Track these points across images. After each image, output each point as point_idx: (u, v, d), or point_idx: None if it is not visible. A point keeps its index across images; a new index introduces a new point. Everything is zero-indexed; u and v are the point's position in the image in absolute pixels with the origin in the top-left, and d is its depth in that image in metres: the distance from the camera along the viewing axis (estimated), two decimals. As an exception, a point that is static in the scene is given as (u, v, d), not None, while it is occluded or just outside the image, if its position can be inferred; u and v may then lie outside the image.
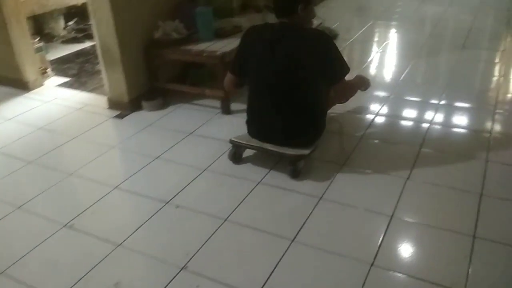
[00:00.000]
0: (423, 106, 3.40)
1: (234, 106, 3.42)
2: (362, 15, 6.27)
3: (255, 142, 2.62)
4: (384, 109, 3.36)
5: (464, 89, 3.67)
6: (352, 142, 2.90)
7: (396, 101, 3.51)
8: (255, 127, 2.65)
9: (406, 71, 4.09)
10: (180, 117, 3.40)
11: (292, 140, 2.54)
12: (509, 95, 3.58)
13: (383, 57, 4.57)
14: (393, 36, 5.36)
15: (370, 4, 6.83)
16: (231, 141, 2.69)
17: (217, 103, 3.42)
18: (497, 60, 4.33)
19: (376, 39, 5.24)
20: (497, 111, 3.25)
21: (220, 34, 3.51)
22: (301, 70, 2.39)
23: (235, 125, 3.11)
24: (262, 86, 2.53)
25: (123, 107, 3.49)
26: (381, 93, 3.62)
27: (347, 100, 2.93)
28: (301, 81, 2.43)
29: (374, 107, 3.41)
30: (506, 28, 5.33)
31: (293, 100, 2.47)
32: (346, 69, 2.47)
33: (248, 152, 2.76)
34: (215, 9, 3.66)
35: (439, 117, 3.20)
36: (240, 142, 2.66)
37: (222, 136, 3.02)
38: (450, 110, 3.32)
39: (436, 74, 4.13)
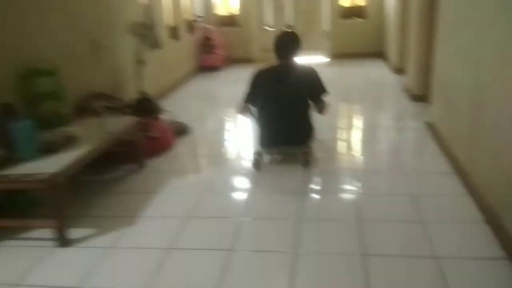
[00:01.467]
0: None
1: (74, 233, 2.75)
2: (214, 105, 6.16)
3: (277, 148, 3.78)
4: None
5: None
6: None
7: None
8: (272, 137, 3.70)
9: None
10: None
11: (300, 141, 3.68)
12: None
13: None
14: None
15: (220, 93, 6.83)
16: (257, 152, 3.73)
17: (49, 233, 2.71)
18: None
19: (230, 126, 5.09)
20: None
21: (48, 150, 2.87)
22: (301, 93, 3.62)
23: (82, 262, 2.46)
24: (277, 108, 3.62)
25: None
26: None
27: (323, 113, 3.76)
28: (301, 100, 3.64)
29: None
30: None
31: (297, 115, 3.66)
32: (325, 90, 3.69)
33: None
34: (40, 119, 3.05)
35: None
36: (266, 151, 3.76)
37: (67, 282, 2.33)
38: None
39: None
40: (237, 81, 7.41)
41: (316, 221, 2.81)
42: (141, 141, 3.91)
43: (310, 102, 3.67)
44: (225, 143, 4.51)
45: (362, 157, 3.88)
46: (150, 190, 3.46)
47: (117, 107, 4.45)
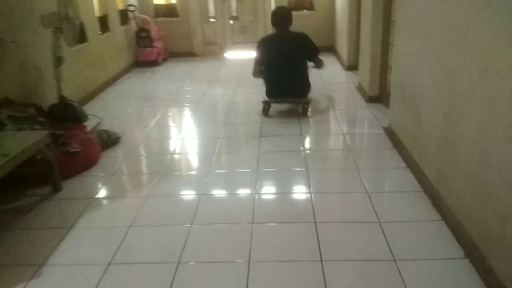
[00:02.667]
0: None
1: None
2: (151, 105, 5.46)
3: (280, 98, 4.73)
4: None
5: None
6: None
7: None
8: (275, 90, 4.64)
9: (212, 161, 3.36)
10: None
11: (300, 93, 4.67)
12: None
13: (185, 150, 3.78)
14: (190, 127, 4.66)
15: (158, 91, 6.12)
16: (265, 101, 4.68)
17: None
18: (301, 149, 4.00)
19: (171, 134, 4.44)
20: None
21: None
22: (297, 54, 4.59)
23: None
24: (279, 66, 4.56)
25: None
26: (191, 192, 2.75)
27: (321, 67, 4.91)
28: (297, 59, 4.59)
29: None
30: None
31: (295, 70, 4.58)
32: (318, 50, 4.78)
33: None
34: None
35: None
36: (272, 100, 4.69)
37: None
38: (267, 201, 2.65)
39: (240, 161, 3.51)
40: (177, 77, 6.76)
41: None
42: (55, 159, 3.20)
43: (306, 61, 4.69)
44: (164, 155, 3.87)
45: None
46: (63, 224, 2.80)
47: (27, 116, 3.69)
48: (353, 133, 4.15)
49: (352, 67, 6.29)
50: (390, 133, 3.86)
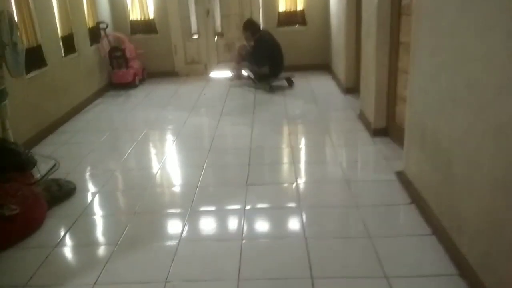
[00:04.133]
0: None
1: None
2: (120, 140, 4.70)
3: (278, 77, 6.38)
4: None
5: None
6: None
7: None
8: (274, 71, 6.32)
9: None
10: None
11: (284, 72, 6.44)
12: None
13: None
14: (164, 173, 3.90)
15: (129, 122, 5.35)
16: (271, 86, 6.21)
17: None
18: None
19: (138, 182, 3.68)
20: None
21: None
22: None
23: None
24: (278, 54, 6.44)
25: None
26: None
27: None
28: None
29: None
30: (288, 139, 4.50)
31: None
32: None
33: None
34: None
35: None
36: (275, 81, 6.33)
37: None
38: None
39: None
40: (155, 102, 5.99)
41: None
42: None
43: None
44: (127, 215, 3.11)
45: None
46: None
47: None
48: (357, 179, 3.40)
49: (351, 89, 5.59)
50: (405, 181, 3.13)
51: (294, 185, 3.33)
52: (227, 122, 5.00)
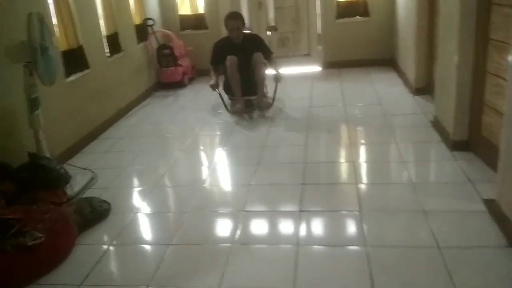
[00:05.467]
0: None
1: None
2: (165, 148, 4.35)
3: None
4: None
5: None
6: None
7: None
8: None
9: None
10: None
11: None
12: None
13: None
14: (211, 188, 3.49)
15: (176, 126, 5.00)
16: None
17: None
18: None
19: (182, 201, 3.31)
20: None
21: None
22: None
23: None
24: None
25: None
26: None
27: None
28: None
29: None
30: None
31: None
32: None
33: None
34: None
35: None
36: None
37: None
38: None
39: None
40: (204, 104, 5.60)
41: None
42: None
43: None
44: (163, 247, 2.73)
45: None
46: None
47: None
48: (434, 208, 2.76)
49: (421, 90, 4.90)
50: (499, 215, 2.50)
51: (354, 213, 2.79)
52: (279, 128, 4.51)
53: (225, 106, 5.04)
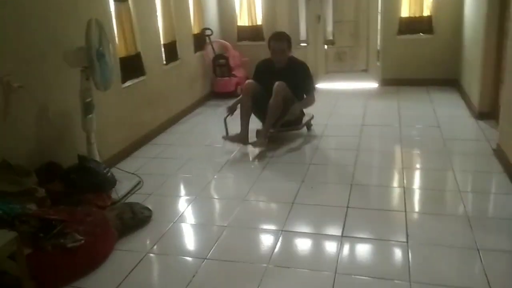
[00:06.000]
0: None
1: None
2: (211, 158, 4.34)
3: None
4: None
5: None
6: None
7: None
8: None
9: None
10: None
11: None
12: None
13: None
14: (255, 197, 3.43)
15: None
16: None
17: None
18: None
19: (226, 212, 3.26)
20: None
21: None
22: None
23: None
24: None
25: None
26: None
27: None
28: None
29: None
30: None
31: None
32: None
33: None
34: None
35: None
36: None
37: None
38: None
39: None
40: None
41: None
42: (24, 273, 2.17)
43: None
44: (199, 259, 2.69)
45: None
46: None
47: (22, 191, 2.76)
48: (494, 248, 2.50)
49: (485, 115, 4.57)
50: None
51: (401, 244, 2.60)
52: (328, 145, 4.37)
53: (226, 129, 4.48)
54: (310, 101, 4.48)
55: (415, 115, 5.10)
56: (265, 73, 4.41)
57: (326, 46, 6.79)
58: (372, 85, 6.58)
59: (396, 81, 6.36)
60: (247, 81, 4.44)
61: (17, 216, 2.52)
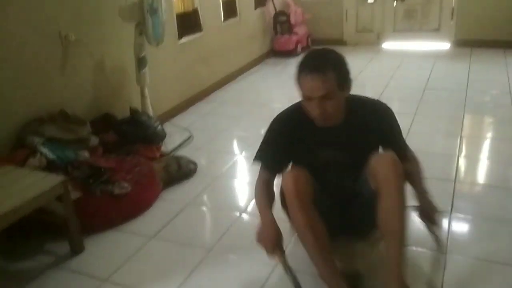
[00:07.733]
0: None
1: None
2: (262, 118, 4.35)
3: None
4: None
5: None
6: None
7: None
8: None
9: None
10: None
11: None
12: None
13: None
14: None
15: (276, 98, 4.95)
16: None
17: None
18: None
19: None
20: None
21: None
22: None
23: None
24: None
25: None
26: None
27: None
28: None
29: None
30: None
31: None
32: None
33: None
34: None
35: None
36: None
37: None
38: None
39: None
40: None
41: None
42: (71, 215, 2.36)
43: None
44: (233, 211, 2.76)
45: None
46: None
47: (75, 139, 2.95)
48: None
49: None
50: None
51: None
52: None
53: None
54: (419, 164, 2.10)
55: (486, 79, 4.71)
56: (296, 138, 2.07)
57: (395, 3, 6.37)
58: (443, 46, 6.12)
59: (471, 42, 5.86)
60: (286, 177, 1.92)
61: (70, 162, 2.72)
